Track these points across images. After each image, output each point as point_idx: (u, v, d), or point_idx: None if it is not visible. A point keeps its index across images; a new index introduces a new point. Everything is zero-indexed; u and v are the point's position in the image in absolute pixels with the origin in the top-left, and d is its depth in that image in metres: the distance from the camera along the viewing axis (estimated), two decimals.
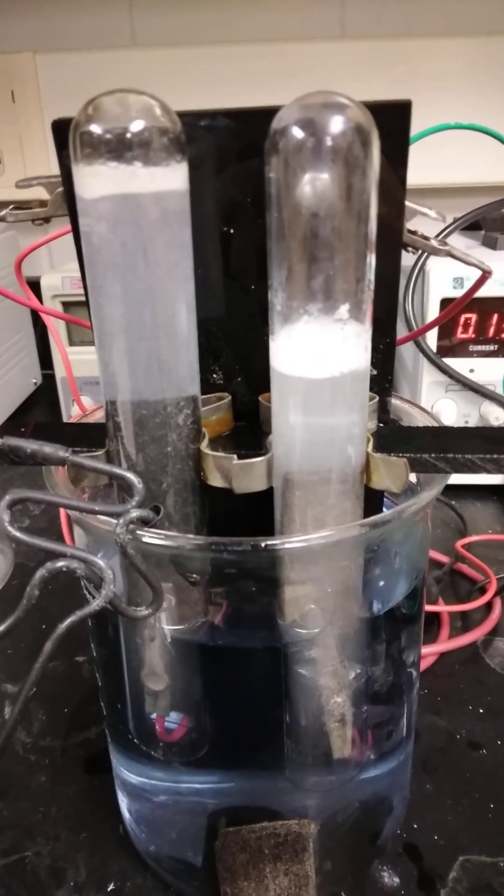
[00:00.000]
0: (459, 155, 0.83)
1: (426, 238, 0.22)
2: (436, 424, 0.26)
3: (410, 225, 0.22)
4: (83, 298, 0.21)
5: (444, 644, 0.42)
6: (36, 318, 0.85)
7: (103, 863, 0.31)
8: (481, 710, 0.39)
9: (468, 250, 0.65)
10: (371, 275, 0.19)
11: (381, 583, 0.25)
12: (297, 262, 0.19)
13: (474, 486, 0.60)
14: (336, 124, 0.18)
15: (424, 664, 0.41)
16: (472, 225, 0.69)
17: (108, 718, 0.29)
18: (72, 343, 0.67)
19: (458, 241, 0.64)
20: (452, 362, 0.55)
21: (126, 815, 0.31)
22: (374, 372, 0.23)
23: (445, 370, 0.55)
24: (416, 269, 0.55)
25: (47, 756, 0.37)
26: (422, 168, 0.84)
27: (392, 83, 0.81)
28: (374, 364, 0.23)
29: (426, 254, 0.55)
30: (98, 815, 0.33)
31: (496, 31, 0.80)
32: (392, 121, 0.20)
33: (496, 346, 0.55)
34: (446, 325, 0.55)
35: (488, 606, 0.46)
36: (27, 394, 0.84)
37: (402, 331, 0.56)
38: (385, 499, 0.26)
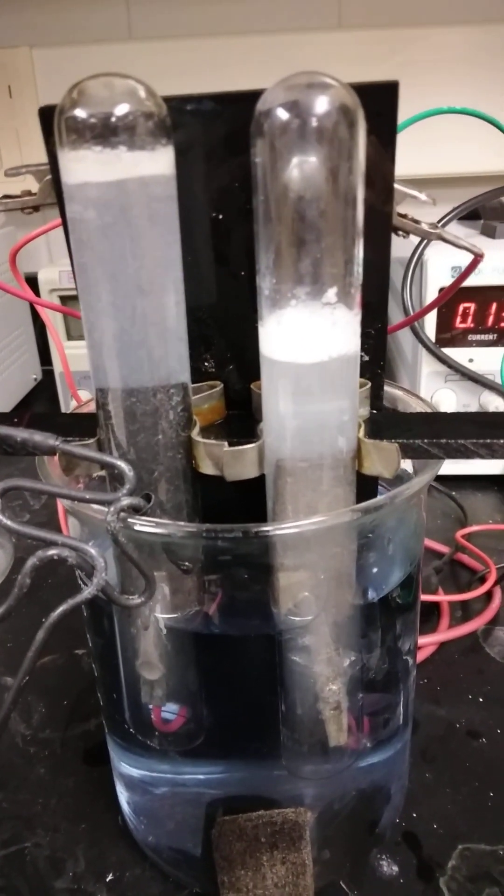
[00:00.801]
0: (456, 144, 0.82)
1: (417, 221, 0.22)
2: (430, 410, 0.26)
3: (401, 209, 0.22)
4: None
5: (444, 633, 0.42)
6: (35, 313, 0.85)
7: (102, 854, 0.31)
8: (481, 700, 0.39)
9: (472, 238, 0.65)
10: (359, 258, 0.19)
11: (375, 570, 0.25)
12: (284, 246, 0.18)
13: (474, 477, 0.60)
14: (321, 105, 0.17)
15: (424, 654, 0.41)
16: (470, 214, 0.68)
17: (104, 709, 0.29)
18: (70, 337, 0.67)
19: (457, 230, 0.64)
20: (451, 352, 0.55)
21: (124, 806, 0.31)
22: (366, 358, 0.23)
23: (444, 360, 0.55)
24: (414, 259, 0.55)
25: (47, 748, 0.37)
26: (418, 158, 0.83)
27: (390, 73, 0.80)
28: (365, 350, 0.23)
29: (424, 243, 0.55)
30: (97, 807, 0.33)
31: (495, 18, 0.80)
32: (379, 102, 0.20)
33: (495, 336, 0.55)
34: (445, 315, 0.54)
35: (488, 596, 0.46)
36: (27, 389, 0.84)
37: (400, 320, 0.56)
38: (380, 486, 0.26)
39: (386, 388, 0.28)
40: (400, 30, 0.80)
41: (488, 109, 0.82)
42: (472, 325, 0.54)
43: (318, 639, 0.24)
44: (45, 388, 0.86)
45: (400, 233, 0.22)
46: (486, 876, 0.30)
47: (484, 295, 0.53)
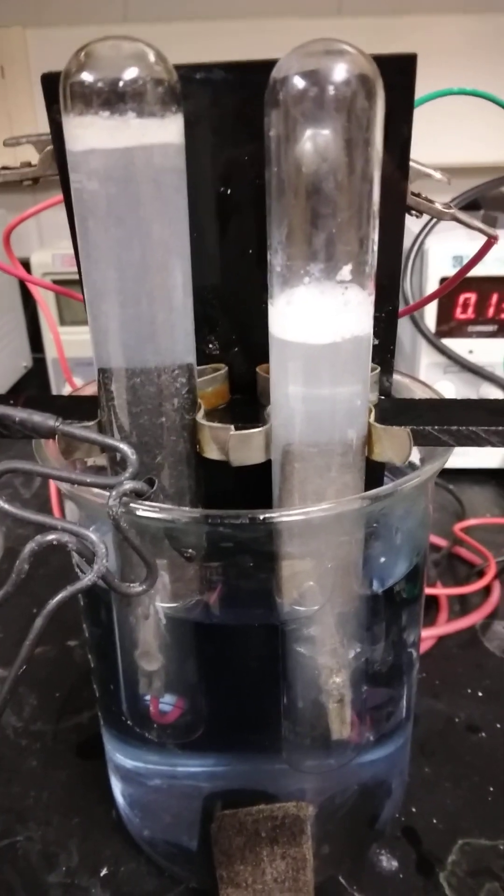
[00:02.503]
0: (456, 134, 0.81)
1: (431, 201, 0.21)
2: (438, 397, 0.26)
3: (414, 188, 0.21)
4: (75, 276, 0.20)
5: (443, 627, 0.42)
6: (26, 299, 0.83)
7: (96, 847, 0.31)
8: (480, 694, 0.38)
9: (473, 231, 0.63)
10: (374, 236, 0.19)
11: (382, 560, 0.24)
12: (297, 220, 0.18)
13: (472, 471, 0.60)
14: (339, 73, 0.17)
15: (423, 648, 0.41)
16: (471, 205, 0.68)
17: (100, 701, 0.29)
18: (63, 323, 0.66)
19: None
20: (451, 343, 0.54)
21: (119, 799, 0.31)
22: (376, 342, 0.23)
23: (444, 351, 0.54)
24: (416, 248, 0.54)
25: (39, 740, 0.36)
26: (418, 147, 0.83)
27: None
28: (375, 333, 0.23)
29: (425, 232, 0.54)
30: (90, 800, 0.33)
31: (495, 7, 0.79)
32: (397, 75, 0.19)
33: (496, 327, 0.54)
34: (445, 306, 0.54)
35: (487, 590, 0.45)
36: (17, 377, 0.83)
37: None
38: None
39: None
40: (400, 17, 0.79)
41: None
42: (472, 316, 0.54)
43: (322, 629, 0.23)
44: (35, 377, 0.85)
45: (413, 212, 0.21)
46: (486, 871, 0.29)
47: (484, 286, 0.53)
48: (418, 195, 0.21)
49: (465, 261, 0.51)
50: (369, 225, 0.18)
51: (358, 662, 0.24)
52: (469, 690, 0.38)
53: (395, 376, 0.26)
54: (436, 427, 0.22)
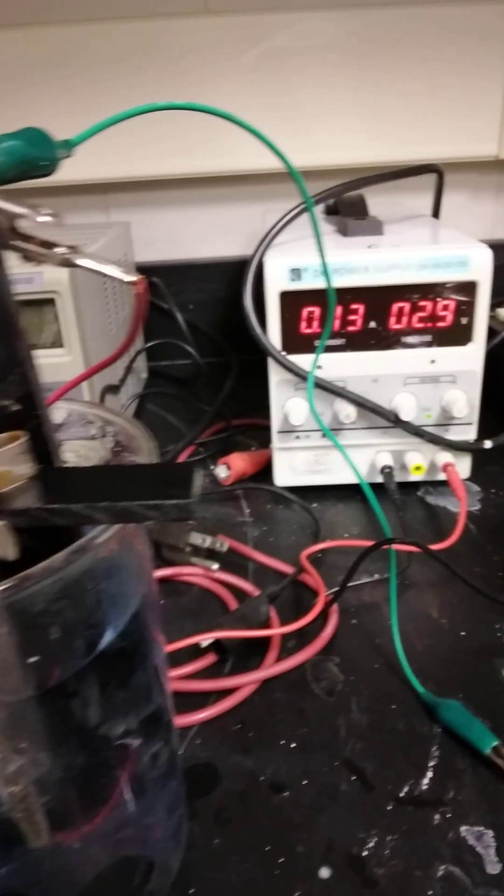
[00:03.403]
0: (331, 136, 0.79)
1: (50, 244, 0.18)
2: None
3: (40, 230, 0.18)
4: None
5: (263, 672, 0.39)
6: None
7: None
8: (293, 745, 0.36)
9: (327, 237, 0.61)
10: None
11: (50, 649, 0.21)
12: None
13: (337, 487, 0.57)
14: None
15: (242, 695, 0.38)
16: (334, 209, 0.66)
17: None
18: None
19: (323, 227, 0.61)
20: (299, 359, 0.52)
21: None
22: (17, 407, 0.20)
23: (290, 368, 0.51)
24: (254, 261, 0.51)
25: None
26: (296, 150, 0.80)
27: (258, 58, 0.77)
28: (9, 394, 0.20)
29: (263, 246, 0.51)
30: None
31: (366, 3, 0.76)
32: None
33: (344, 341, 0.52)
34: (289, 321, 0.51)
35: (323, 623, 0.43)
36: None
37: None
38: None
39: (101, 413, 0.24)
40: (268, 14, 0.76)
41: (356, 95, 0.79)
42: (318, 331, 0.51)
43: None
44: None
45: (28, 259, 0.18)
46: None
47: (327, 299, 0.50)
48: (31, 239, 0.18)
49: (304, 273, 0.49)
50: None
51: (39, 770, 0.21)
52: (283, 742, 0.36)
53: (75, 405, 0.23)
54: (86, 504, 0.19)
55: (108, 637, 0.22)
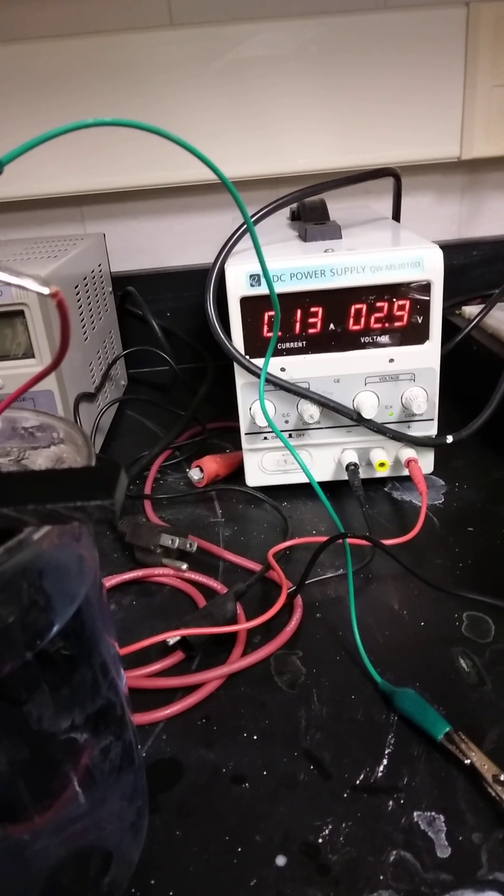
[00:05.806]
0: (297, 143, 0.80)
1: None
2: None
3: None
4: None
5: (228, 667, 0.40)
6: None
7: None
8: (255, 737, 0.37)
9: (286, 242, 0.62)
10: None
11: None
12: None
13: (307, 486, 0.58)
14: None
15: (207, 690, 0.39)
16: (297, 215, 0.67)
17: None
18: None
19: (287, 233, 0.62)
20: (261, 362, 0.53)
21: None
22: None
23: (253, 371, 0.53)
24: (215, 269, 0.53)
25: None
26: (263, 157, 0.82)
27: (223, 69, 0.78)
28: None
29: (224, 252, 0.52)
30: None
31: (328, 10, 0.78)
32: None
33: (304, 343, 0.53)
34: (251, 325, 0.52)
35: (289, 617, 0.44)
36: None
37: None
38: None
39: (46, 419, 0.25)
40: (231, 25, 0.77)
41: (320, 102, 0.80)
42: (280, 334, 0.52)
43: None
44: None
45: None
46: None
47: (288, 302, 0.51)
48: None
49: (262, 280, 0.50)
50: None
51: None
52: (245, 734, 0.37)
53: (27, 414, 0.25)
54: (15, 507, 0.20)
55: (48, 634, 0.23)
